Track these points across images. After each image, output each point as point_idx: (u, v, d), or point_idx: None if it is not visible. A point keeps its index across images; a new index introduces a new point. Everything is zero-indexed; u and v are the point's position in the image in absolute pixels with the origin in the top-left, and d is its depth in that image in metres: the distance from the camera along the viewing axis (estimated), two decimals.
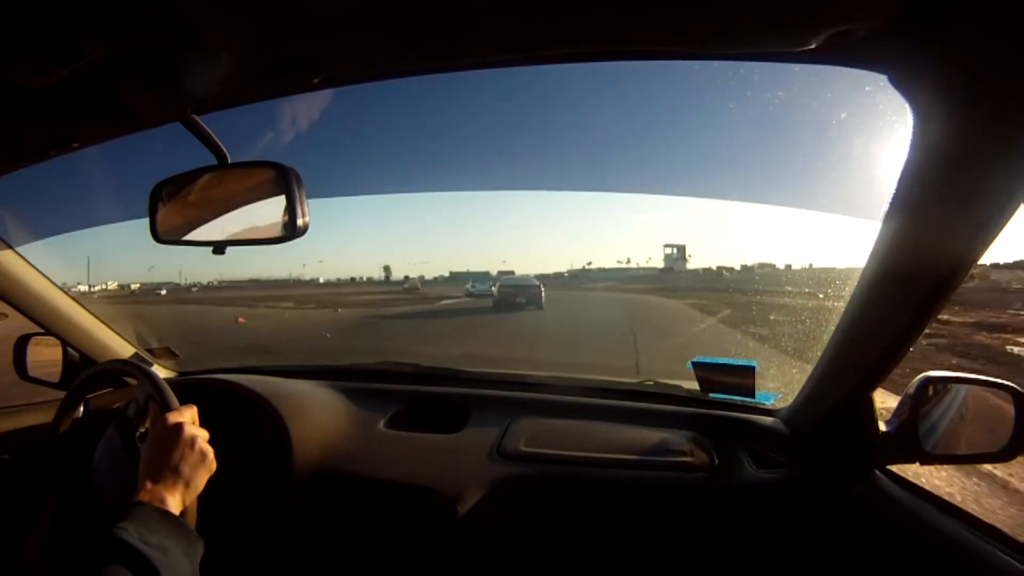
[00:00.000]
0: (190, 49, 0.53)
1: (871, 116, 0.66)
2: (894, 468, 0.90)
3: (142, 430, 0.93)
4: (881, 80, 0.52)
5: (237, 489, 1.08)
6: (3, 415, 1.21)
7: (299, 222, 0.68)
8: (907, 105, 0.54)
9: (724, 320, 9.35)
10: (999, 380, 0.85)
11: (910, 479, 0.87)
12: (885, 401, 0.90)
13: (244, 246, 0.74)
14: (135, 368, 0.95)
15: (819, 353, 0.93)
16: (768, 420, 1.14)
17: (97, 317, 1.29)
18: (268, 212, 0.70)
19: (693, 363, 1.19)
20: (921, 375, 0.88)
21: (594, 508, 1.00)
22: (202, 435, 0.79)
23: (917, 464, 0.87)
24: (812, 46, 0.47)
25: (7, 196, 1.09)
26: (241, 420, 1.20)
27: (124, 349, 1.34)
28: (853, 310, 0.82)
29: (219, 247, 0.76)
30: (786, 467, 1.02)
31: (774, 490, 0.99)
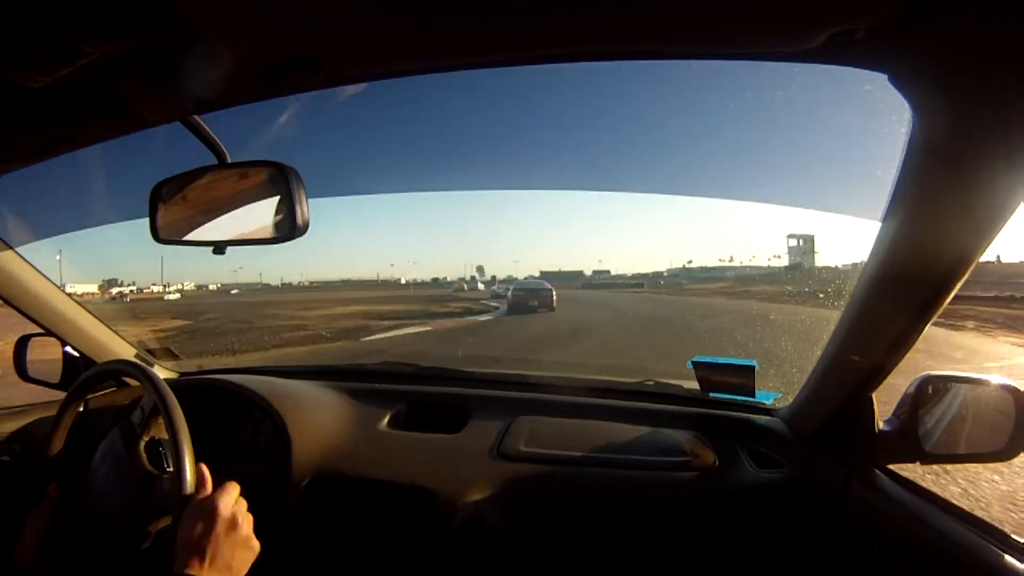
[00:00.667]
0: (190, 48, 0.53)
1: (871, 116, 0.66)
2: (894, 468, 0.90)
3: (146, 439, 0.93)
4: (881, 79, 0.52)
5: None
6: (3, 416, 1.21)
7: (299, 221, 0.68)
8: (907, 104, 0.54)
9: None
10: (999, 379, 0.86)
11: (910, 479, 0.87)
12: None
13: (244, 246, 0.75)
14: (137, 370, 0.95)
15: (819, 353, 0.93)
16: (768, 420, 1.14)
17: (97, 318, 1.29)
18: (268, 211, 0.70)
19: (693, 363, 1.19)
20: (921, 374, 0.88)
21: (594, 508, 1.00)
22: (245, 516, 0.77)
23: (917, 464, 0.87)
24: (812, 46, 0.47)
25: (7, 196, 1.09)
26: (241, 421, 1.20)
27: (124, 349, 1.34)
28: (853, 310, 0.82)
29: (219, 247, 0.76)
30: (786, 467, 1.02)
31: (774, 490, 0.99)
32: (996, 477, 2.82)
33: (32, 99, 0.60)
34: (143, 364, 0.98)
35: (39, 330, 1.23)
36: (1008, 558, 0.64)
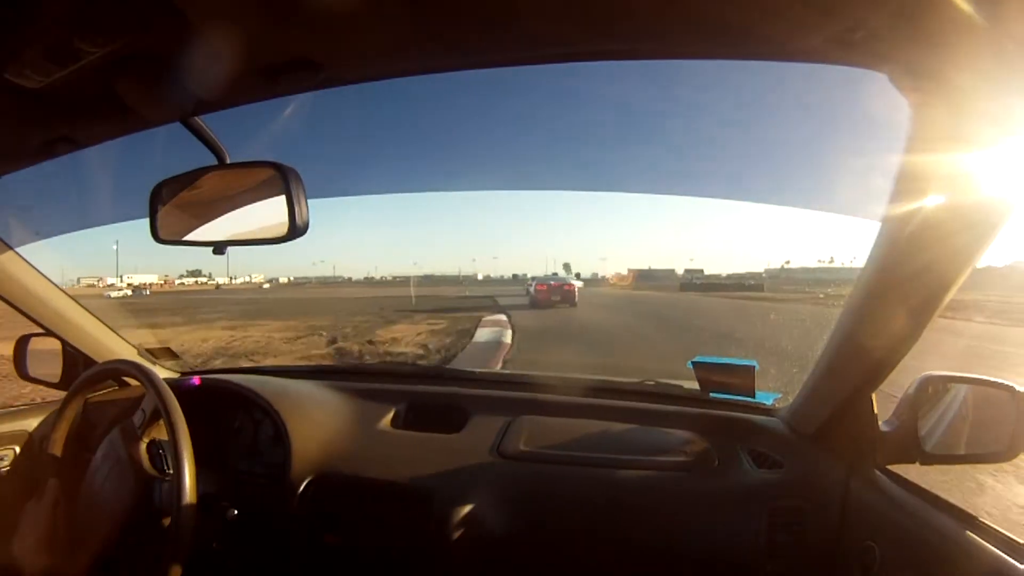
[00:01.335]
0: (190, 49, 0.53)
1: (871, 115, 0.66)
2: (894, 467, 0.90)
3: (147, 440, 0.93)
4: (881, 79, 0.52)
5: (237, 489, 1.08)
6: (3, 416, 1.21)
7: (299, 221, 0.68)
8: (907, 104, 0.54)
9: None
10: (999, 380, 0.85)
11: (910, 479, 0.87)
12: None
13: (244, 246, 0.75)
14: (137, 370, 0.95)
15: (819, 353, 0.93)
16: (768, 420, 1.14)
17: (97, 317, 1.29)
18: (268, 212, 0.70)
19: (693, 363, 1.19)
20: (921, 375, 0.88)
21: (594, 508, 1.00)
22: None
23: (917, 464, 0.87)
24: (812, 45, 0.47)
25: (7, 196, 1.10)
26: (242, 420, 1.20)
27: (125, 349, 1.34)
28: (853, 310, 0.82)
29: (219, 247, 0.76)
30: (786, 467, 1.02)
31: (775, 489, 0.99)
32: None
33: (32, 100, 0.60)
34: (143, 364, 0.98)
35: (39, 330, 1.24)
36: (1008, 559, 0.63)
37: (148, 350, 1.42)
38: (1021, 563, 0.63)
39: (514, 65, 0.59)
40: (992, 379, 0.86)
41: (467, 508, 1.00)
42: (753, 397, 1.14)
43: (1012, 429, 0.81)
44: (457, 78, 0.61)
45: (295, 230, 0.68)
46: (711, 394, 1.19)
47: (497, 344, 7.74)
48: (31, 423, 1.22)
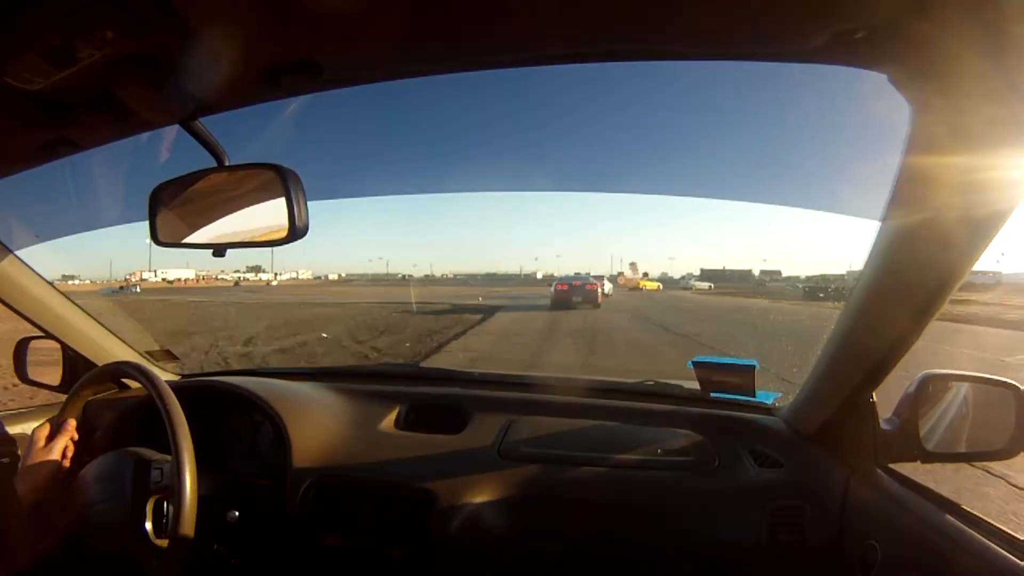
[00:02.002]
0: (190, 51, 0.53)
1: (871, 114, 0.66)
2: (895, 466, 0.90)
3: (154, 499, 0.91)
4: (881, 79, 0.52)
5: (238, 491, 1.08)
6: (4, 417, 1.21)
7: (298, 223, 0.68)
8: (907, 104, 0.54)
9: None
10: (999, 378, 0.86)
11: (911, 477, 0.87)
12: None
13: (244, 248, 0.74)
14: (138, 371, 0.95)
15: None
16: (769, 419, 1.14)
17: (97, 320, 1.29)
18: (268, 214, 0.70)
19: (694, 362, 1.19)
20: (921, 373, 0.88)
21: (594, 508, 1.00)
22: None
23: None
24: (813, 46, 0.47)
25: (6, 199, 1.09)
26: (242, 422, 1.20)
27: (124, 352, 1.34)
28: (853, 309, 0.82)
29: (219, 249, 0.76)
30: (787, 466, 1.02)
31: (775, 489, 0.99)
32: None
33: (32, 102, 0.60)
34: (144, 365, 0.98)
35: (39, 333, 1.23)
36: (1010, 557, 0.63)
37: (148, 352, 1.42)
38: (1023, 560, 0.63)
39: (518, 66, 0.59)
40: (993, 377, 0.86)
41: (468, 509, 1.00)
42: (754, 397, 1.14)
43: (1013, 427, 0.81)
44: (458, 79, 0.61)
45: (295, 232, 0.68)
46: (712, 394, 1.19)
47: None
48: (31, 425, 1.22)
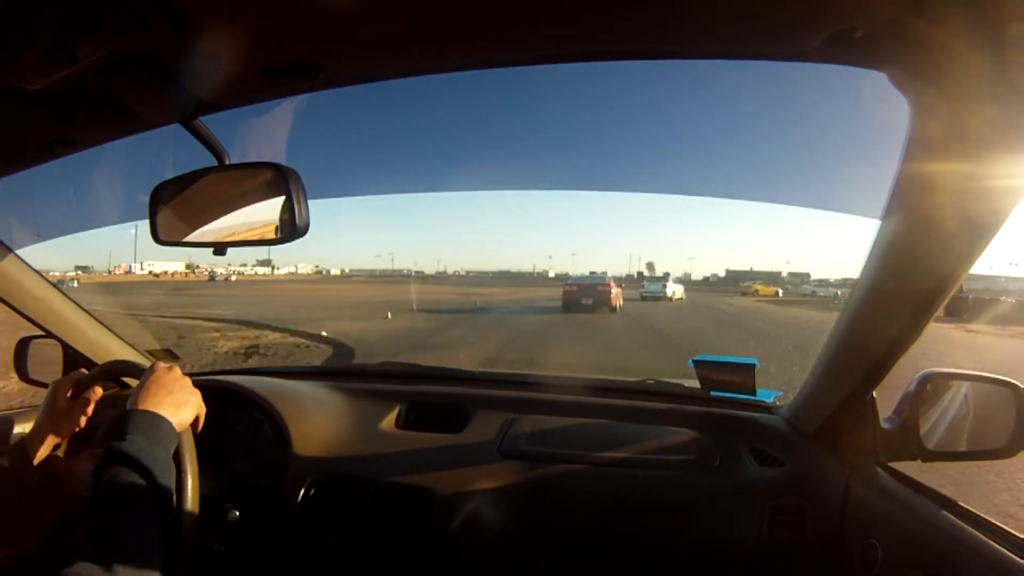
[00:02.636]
0: (189, 50, 0.53)
1: (870, 114, 0.66)
2: (895, 465, 0.91)
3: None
4: (880, 78, 0.52)
5: (239, 490, 1.08)
6: (4, 417, 1.21)
7: (299, 222, 0.68)
8: (906, 103, 0.54)
9: None
10: (999, 377, 0.86)
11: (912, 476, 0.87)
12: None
13: (245, 247, 0.75)
14: (139, 370, 0.95)
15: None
16: (769, 418, 1.14)
17: (97, 320, 1.29)
18: (268, 213, 0.70)
19: (694, 361, 1.19)
20: (921, 372, 0.88)
21: (595, 506, 1.01)
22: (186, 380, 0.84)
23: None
24: (813, 45, 0.47)
25: (7, 198, 1.09)
26: (242, 422, 1.20)
27: (124, 351, 1.34)
28: (853, 308, 0.82)
29: (220, 248, 0.76)
30: (787, 465, 1.02)
31: (776, 487, 0.99)
32: None
33: (31, 101, 0.60)
34: (144, 365, 0.98)
35: (40, 332, 1.24)
36: (1010, 555, 0.64)
37: (149, 352, 1.42)
38: (1023, 559, 0.63)
39: (518, 66, 0.59)
40: (993, 376, 0.86)
41: (469, 508, 1.00)
42: (754, 395, 1.14)
43: (1013, 426, 0.81)
44: (457, 78, 0.61)
45: (295, 231, 0.68)
46: (712, 392, 1.20)
47: None
48: (31, 426, 1.22)
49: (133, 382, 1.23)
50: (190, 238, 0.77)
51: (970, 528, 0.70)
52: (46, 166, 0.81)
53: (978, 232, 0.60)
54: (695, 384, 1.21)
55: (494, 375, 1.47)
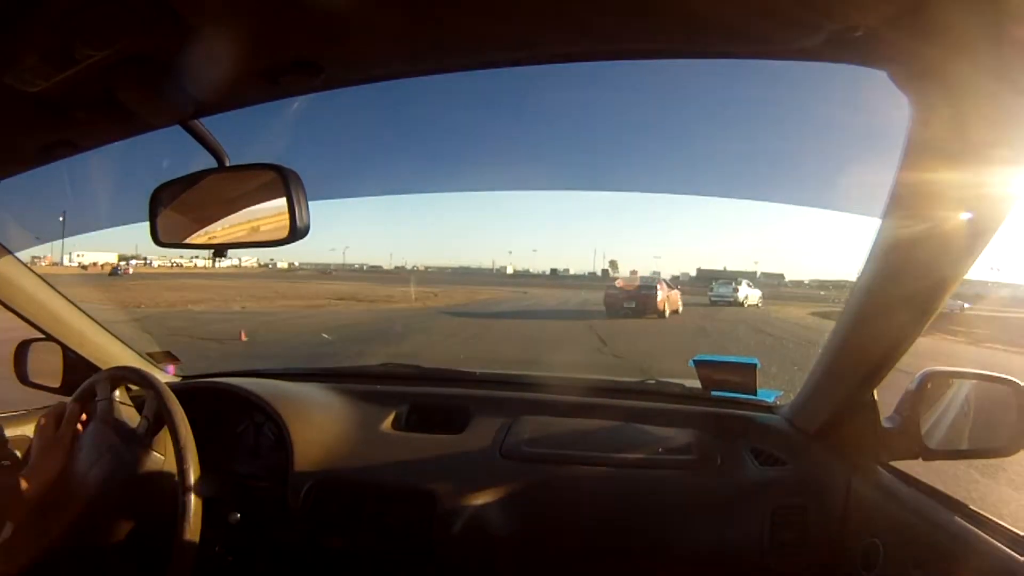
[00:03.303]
0: (189, 51, 0.53)
1: (871, 113, 0.66)
2: (896, 464, 0.91)
3: (154, 449, 0.92)
4: (881, 77, 0.52)
5: (239, 492, 1.08)
6: (4, 420, 1.21)
7: (299, 224, 0.68)
8: (906, 101, 0.54)
9: None
10: (1000, 375, 0.86)
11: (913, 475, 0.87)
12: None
13: (245, 248, 0.75)
14: (140, 376, 0.95)
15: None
16: (770, 417, 1.14)
17: (97, 322, 1.29)
18: (269, 214, 0.70)
19: (695, 361, 1.19)
20: (922, 371, 0.88)
21: (597, 507, 1.00)
22: None
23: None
24: (813, 44, 0.47)
25: (7, 200, 1.09)
26: (243, 424, 1.20)
27: (125, 354, 1.34)
28: (854, 307, 0.82)
29: (220, 250, 0.76)
30: (789, 464, 1.02)
31: (777, 487, 0.99)
32: None
33: (31, 103, 0.60)
34: (145, 369, 0.98)
35: (40, 335, 1.23)
36: (1012, 554, 0.64)
37: (149, 354, 1.42)
38: None
39: (518, 66, 0.59)
40: (994, 374, 0.87)
41: (470, 509, 1.00)
42: (755, 395, 1.14)
43: (1014, 424, 0.81)
44: (458, 78, 0.61)
45: (296, 232, 0.68)
46: (713, 392, 1.20)
47: None
48: (31, 427, 1.22)
49: (134, 387, 1.23)
50: (190, 240, 0.77)
51: (972, 526, 0.70)
52: (46, 168, 0.81)
53: (978, 231, 0.60)
54: (696, 384, 1.21)
55: (495, 376, 1.47)
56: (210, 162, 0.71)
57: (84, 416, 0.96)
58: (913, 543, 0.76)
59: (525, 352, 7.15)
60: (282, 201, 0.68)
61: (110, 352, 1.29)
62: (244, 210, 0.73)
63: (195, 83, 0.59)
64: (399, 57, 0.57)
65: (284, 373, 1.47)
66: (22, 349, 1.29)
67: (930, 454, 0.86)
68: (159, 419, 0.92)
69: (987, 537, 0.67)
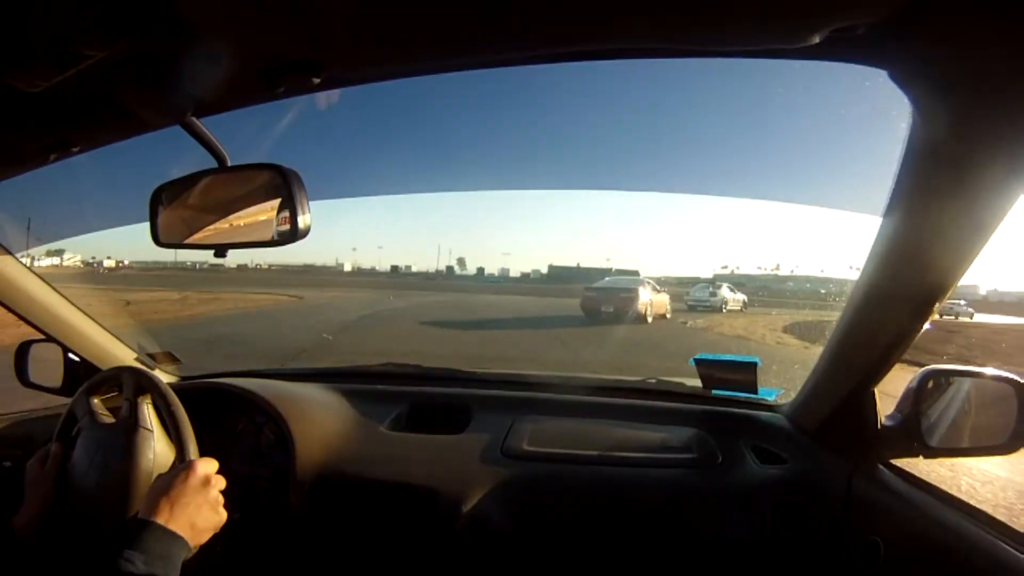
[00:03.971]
0: (189, 51, 0.53)
1: (871, 112, 0.66)
2: (897, 462, 0.91)
3: (151, 430, 0.92)
4: (881, 76, 0.52)
5: (240, 493, 1.08)
6: (5, 421, 1.21)
7: (300, 224, 0.68)
8: (907, 100, 0.54)
9: None
10: (1001, 373, 0.86)
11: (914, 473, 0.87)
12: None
13: (245, 248, 0.75)
14: (140, 376, 0.95)
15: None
16: (771, 416, 1.14)
17: (97, 323, 1.29)
18: (269, 214, 0.70)
19: (696, 360, 1.19)
20: (923, 369, 0.88)
21: (599, 506, 1.01)
22: (218, 483, 0.81)
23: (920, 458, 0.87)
24: (813, 42, 0.47)
25: (7, 201, 1.09)
26: (244, 424, 1.20)
27: (125, 354, 1.34)
28: (854, 306, 0.82)
29: (220, 250, 0.76)
30: (789, 462, 1.02)
31: (778, 485, 0.99)
32: None
33: (31, 104, 0.60)
34: (146, 370, 0.98)
35: (40, 336, 1.23)
36: (1013, 552, 0.64)
37: (149, 354, 1.42)
38: None
39: (518, 65, 0.59)
40: (994, 372, 0.87)
41: (472, 509, 1.00)
42: (756, 393, 1.15)
43: (1015, 421, 0.81)
44: (458, 78, 0.61)
45: (297, 232, 0.68)
46: (714, 391, 1.20)
47: None
48: (32, 428, 1.22)
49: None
50: (190, 240, 0.76)
51: (973, 524, 0.70)
52: (46, 169, 0.81)
53: (979, 228, 0.60)
54: (696, 383, 1.21)
55: (496, 375, 1.47)
56: (210, 162, 0.71)
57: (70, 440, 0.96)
58: (913, 541, 0.76)
59: None
60: (283, 201, 0.68)
61: (110, 352, 1.29)
62: (244, 210, 0.73)
63: (195, 83, 0.59)
64: (401, 56, 0.57)
65: (284, 373, 1.47)
66: (22, 350, 1.29)
67: (931, 452, 0.86)
68: (139, 392, 0.92)
69: (988, 535, 0.67)
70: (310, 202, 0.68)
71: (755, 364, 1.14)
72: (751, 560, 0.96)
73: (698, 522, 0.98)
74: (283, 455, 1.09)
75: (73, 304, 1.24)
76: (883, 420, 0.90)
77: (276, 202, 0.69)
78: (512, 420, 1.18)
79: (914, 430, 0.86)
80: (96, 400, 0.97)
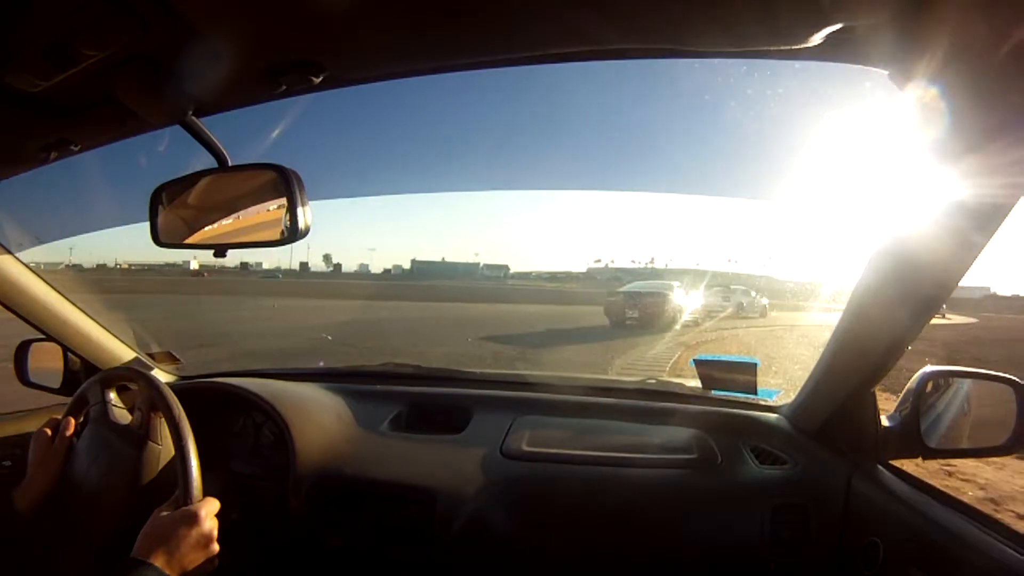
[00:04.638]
0: (190, 51, 0.53)
1: (871, 112, 0.66)
2: (897, 463, 0.91)
3: (155, 442, 0.92)
4: (881, 76, 0.52)
5: (240, 493, 1.08)
6: (5, 421, 1.21)
7: (300, 224, 0.68)
8: (907, 101, 0.54)
9: None
10: (1000, 374, 0.86)
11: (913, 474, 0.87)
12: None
13: (246, 248, 0.75)
14: (140, 376, 0.95)
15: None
16: (771, 417, 1.14)
17: (97, 322, 1.29)
18: (269, 214, 0.70)
19: (695, 361, 1.19)
20: (922, 370, 0.88)
21: (598, 506, 1.00)
22: (213, 525, 0.82)
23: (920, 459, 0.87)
24: (813, 43, 0.47)
25: (7, 200, 1.09)
26: (243, 424, 1.20)
27: (125, 354, 1.33)
28: (854, 307, 0.82)
29: (220, 250, 0.76)
30: (789, 463, 1.02)
31: (778, 486, 0.99)
32: None
33: (32, 103, 0.60)
34: (145, 371, 0.97)
35: (40, 335, 1.23)
36: (1012, 552, 0.64)
37: (149, 354, 1.42)
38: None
39: (518, 65, 0.59)
40: (993, 373, 0.87)
41: (471, 509, 1.00)
42: (755, 394, 1.15)
43: (1014, 423, 0.82)
44: (459, 78, 0.61)
45: (297, 232, 0.68)
46: (713, 391, 1.20)
47: None
48: (33, 427, 1.22)
49: (133, 386, 1.23)
50: (190, 240, 0.76)
51: (972, 525, 0.70)
52: (46, 168, 0.81)
53: (979, 228, 0.60)
54: (696, 383, 1.21)
55: (496, 376, 1.47)
56: (210, 162, 0.71)
57: (77, 427, 0.96)
58: (913, 541, 0.76)
59: None
60: (283, 201, 0.68)
61: (110, 352, 1.29)
62: (245, 210, 0.73)
63: (195, 83, 0.59)
64: (401, 56, 0.57)
65: (284, 373, 1.47)
66: (22, 349, 1.29)
67: (930, 453, 0.86)
68: (154, 407, 0.92)
69: (987, 535, 0.67)
70: (311, 202, 0.68)
71: (755, 365, 1.14)
72: (751, 561, 0.95)
73: (698, 523, 0.98)
74: (282, 455, 1.09)
75: (73, 303, 1.24)
76: (883, 421, 0.90)
77: (277, 202, 0.69)
78: (512, 420, 1.18)
79: (914, 431, 0.86)
80: (112, 394, 0.97)
